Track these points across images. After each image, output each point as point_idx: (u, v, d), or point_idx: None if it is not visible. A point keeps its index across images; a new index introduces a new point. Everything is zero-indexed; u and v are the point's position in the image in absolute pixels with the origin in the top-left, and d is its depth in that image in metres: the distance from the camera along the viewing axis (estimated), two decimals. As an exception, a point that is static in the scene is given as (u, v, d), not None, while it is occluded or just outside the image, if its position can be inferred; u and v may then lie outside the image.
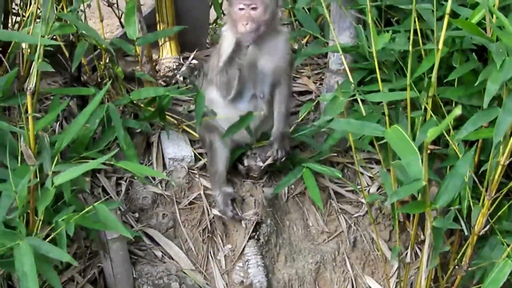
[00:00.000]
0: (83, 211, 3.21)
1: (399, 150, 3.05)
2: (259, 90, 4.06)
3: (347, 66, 3.92)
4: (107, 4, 5.70)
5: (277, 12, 4.07)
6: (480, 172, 3.72)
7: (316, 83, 5.07)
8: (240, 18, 3.89)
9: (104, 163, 3.56)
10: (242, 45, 3.94)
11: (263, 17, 3.92)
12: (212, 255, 4.15)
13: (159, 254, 4.05)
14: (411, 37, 3.49)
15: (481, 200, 3.57)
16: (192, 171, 4.30)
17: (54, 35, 4.14)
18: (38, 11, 3.98)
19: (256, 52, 3.99)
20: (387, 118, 3.72)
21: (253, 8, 3.90)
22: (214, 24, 6.24)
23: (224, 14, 6.07)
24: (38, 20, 4.02)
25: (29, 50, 4.09)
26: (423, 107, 3.71)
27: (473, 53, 3.91)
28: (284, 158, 4.17)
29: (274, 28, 4.06)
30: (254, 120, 4.03)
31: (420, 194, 3.42)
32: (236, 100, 4.07)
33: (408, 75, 3.51)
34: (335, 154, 4.50)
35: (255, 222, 4.17)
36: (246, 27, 3.88)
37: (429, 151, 2.96)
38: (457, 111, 2.79)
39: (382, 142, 3.96)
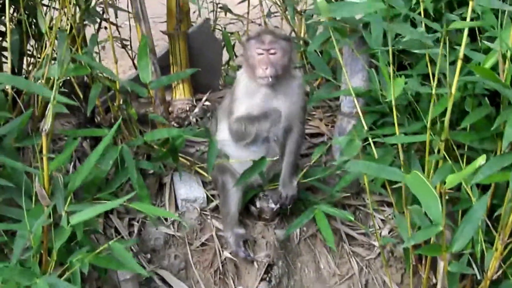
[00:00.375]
0: (98, 250, 3.21)
1: (419, 195, 3.05)
2: (272, 133, 4.08)
3: (359, 109, 3.94)
4: (120, 46, 5.76)
5: (293, 56, 4.11)
6: (493, 216, 3.71)
7: (328, 125, 5.09)
8: (259, 62, 3.94)
9: (117, 205, 3.60)
10: (257, 88, 3.99)
11: (281, 61, 3.97)
12: (224, 297, 4.15)
13: (170, 295, 4.04)
14: (432, 82, 3.52)
15: (495, 245, 3.55)
16: (204, 212, 4.31)
17: (68, 76, 4.19)
18: (53, 52, 4.03)
19: (271, 96, 4.02)
20: (402, 161, 3.74)
21: (272, 53, 3.95)
22: (227, 66, 6.29)
23: (236, 56, 6.14)
24: (53, 61, 4.07)
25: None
26: (436, 150, 3.71)
27: (485, 98, 3.92)
28: (290, 204, 4.20)
29: (289, 72, 4.10)
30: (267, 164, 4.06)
31: (434, 238, 3.42)
32: (249, 142, 4.10)
33: (429, 118, 3.53)
34: (347, 195, 4.50)
35: (266, 264, 4.17)
36: (266, 71, 3.93)
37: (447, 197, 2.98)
38: (481, 160, 2.80)
39: (395, 186, 3.98)
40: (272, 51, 3.96)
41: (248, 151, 4.10)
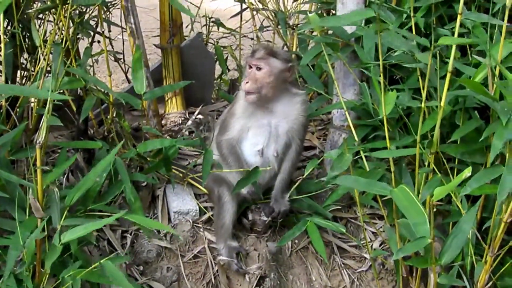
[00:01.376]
0: (90, 268, 3.23)
1: (406, 210, 3.09)
2: (272, 149, 4.12)
3: (351, 123, 3.97)
4: (113, 59, 5.79)
5: (287, 76, 4.12)
6: (483, 228, 3.74)
7: (320, 138, 5.12)
8: (246, 76, 3.97)
9: (110, 216, 3.60)
10: (256, 106, 4.02)
11: (266, 79, 3.99)
12: (216, 309, 4.16)
13: (163, 307, 4.05)
14: (423, 95, 3.56)
15: (484, 257, 3.59)
16: (197, 224, 4.33)
17: (62, 89, 4.21)
18: (48, 66, 4.06)
19: (269, 114, 4.05)
20: (393, 175, 3.77)
21: (258, 69, 3.99)
22: (219, 79, 6.32)
23: (229, 70, 6.17)
24: (47, 74, 4.09)
25: (37, 105, 4.15)
26: (426, 163, 3.75)
27: (475, 112, 3.96)
28: (282, 218, 4.25)
29: (289, 91, 4.13)
30: (263, 175, 4.10)
31: (424, 250, 3.45)
32: (248, 156, 4.15)
33: (419, 132, 3.57)
34: (339, 208, 4.52)
35: (259, 276, 4.18)
36: (246, 85, 3.97)
37: (435, 209, 3.01)
38: (467, 172, 2.84)
39: (386, 198, 4.01)
40: (258, 66, 4.00)
41: (247, 165, 4.13)
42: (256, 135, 4.13)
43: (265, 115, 4.09)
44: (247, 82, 3.98)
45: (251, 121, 4.11)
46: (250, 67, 4.01)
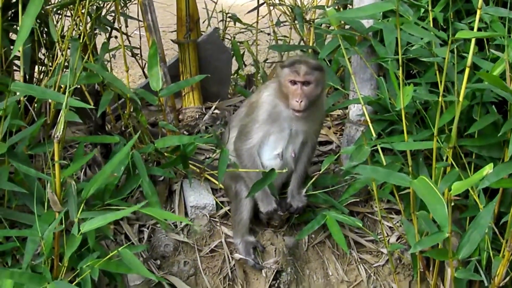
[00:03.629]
0: (108, 256, 3.24)
1: (426, 199, 3.07)
2: (290, 150, 4.13)
3: (368, 117, 3.97)
4: (130, 54, 5.81)
5: (325, 85, 4.14)
6: (500, 223, 3.73)
7: (337, 133, 5.12)
8: (293, 94, 3.91)
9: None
10: (280, 113, 4.02)
11: (314, 92, 3.95)
12: (233, 303, 4.17)
13: (180, 301, 4.07)
14: (440, 90, 3.55)
15: (502, 251, 3.57)
16: (214, 219, 4.34)
17: (79, 85, 4.23)
18: (65, 61, 4.07)
19: (291, 117, 4.03)
20: (410, 167, 3.76)
21: (306, 84, 3.93)
22: (236, 75, 6.32)
23: (245, 66, 6.16)
24: (65, 70, 4.11)
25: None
26: (444, 157, 3.74)
27: (493, 106, 3.95)
28: (299, 214, 4.26)
29: (320, 99, 4.13)
30: (279, 176, 4.10)
31: (441, 244, 3.45)
32: (266, 161, 4.15)
33: (436, 126, 3.56)
34: (356, 200, 4.51)
35: (275, 271, 4.19)
36: (301, 104, 3.89)
37: (453, 203, 3.00)
38: (488, 169, 2.83)
39: (403, 192, 4.00)
40: (306, 83, 3.93)
41: (263, 165, 4.14)
42: (277, 139, 4.11)
43: (287, 119, 4.06)
44: (301, 101, 3.89)
45: (273, 127, 4.07)
46: (294, 83, 3.94)
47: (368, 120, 3.97)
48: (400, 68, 3.66)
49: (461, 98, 3.45)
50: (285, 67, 3.98)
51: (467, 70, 3.36)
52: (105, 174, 3.55)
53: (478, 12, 3.34)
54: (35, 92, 3.47)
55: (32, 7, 3.33)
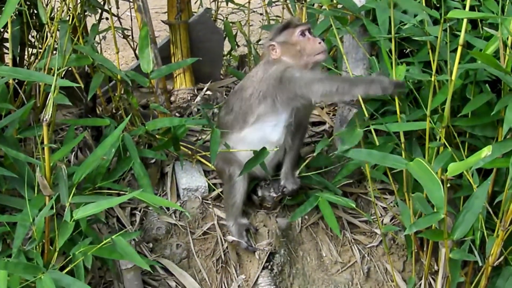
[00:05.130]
0: (101, 244, 3.21)
1: (422, 181, 3.06)
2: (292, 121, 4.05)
3: (360, 98, 3.94)
4: (122, 36, 5.76)
5: None
6: (494, 203, 3.71)
7: (329, 114, 5.10)
8: (309, 41, 3.97)
9: (119, 194, 3.59)
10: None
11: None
12: (226, 285, 4.14)
13: (173, 284, 4.04)
14: (433, 69, 3.52)
15: (496, 231, 3.56)
16: (206, 201, 4.32)
17: (69, 67, 4.20)
18: (55, 43, 4.04)
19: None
20: (403, 148, 3.74)
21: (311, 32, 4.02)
22: (229, 55, 6.28)
23: (238, 46, 6.13)
24: (54, 52, 4.07)
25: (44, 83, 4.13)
26: (438, 137, 3.72)
27: (486, 85, 3.92)
28: (292, 195, 4.25)
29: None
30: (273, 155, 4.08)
31: (436, 225, 3.43)
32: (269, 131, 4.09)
33: (429, 106, 3.53)
34: (349, 182, 4.50)
35: (268, 253, 4.18)
36: (323, 43, 3.97)
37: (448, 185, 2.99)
38: (486, 151, 2.80)
39: (396, 171, 3.98)
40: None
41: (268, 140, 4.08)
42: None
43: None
44: (320, 41, 3.97)
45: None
46: (304, 35, 3.99)
47: (361, 100, 3.94)
48: (393, 47, 3.63)
49: (453, 77, 3.43)
50: (298, 26, 4.02)
51: (459, 49, 3.33)
52: (97, 157, 3.52)
53: (470, -11, 3.32)
54: (21, 75, 3.42)
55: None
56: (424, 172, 3.10)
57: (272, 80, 3.92)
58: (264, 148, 3.95)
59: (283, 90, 3.89)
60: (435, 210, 3.17)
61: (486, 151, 2.84)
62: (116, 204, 3.41)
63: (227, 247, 4.19)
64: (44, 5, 4.20)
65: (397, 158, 3.35)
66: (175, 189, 4.36)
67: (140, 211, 4.21)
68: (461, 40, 3.33)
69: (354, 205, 4.12)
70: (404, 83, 3.79)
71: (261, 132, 4.03)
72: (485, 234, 3.66)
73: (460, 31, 3.39)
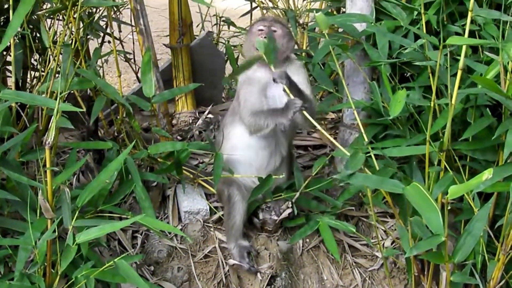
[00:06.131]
0: (104, 267, 3.21)
1: (419, 207, 3.06)
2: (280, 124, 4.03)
3: (360, 122, 3.96)
4: (124, 59, 5.79)
5: (291, 44, 4.25)
6: (495, 227, 3.72)
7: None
8: (260, 34, 4.06)
9: (120, 218, 3.59)
10: (258, 78, 4.06)
11: (280, 40, 4.07)
12: (227, 309, 4.15)
13: (174, 307, 4.05)
14: (433, 93, 3.54)
15: (497, 255, 3.56)
16: (207, 224, 4.33)
17: (72, 90, 4.21)
18: (58, 67, 4.06)
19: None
20: (403, 173, 3.75)
21: (273, 31, 4.06)
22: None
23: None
24: (57, 75, 4.09)
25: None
26: (436, 162, 3.72)
27: (487, 109, 3.93)
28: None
29: (289, 58, 4.21)
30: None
31: (435, 248, 3.43)
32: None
33: (429, 130, 3.54)
34: (351, 208, 4.51)
35: (270, 275, 4.17)
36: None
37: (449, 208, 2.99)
38: (487, 174, 2.81)
39: (396, 194, 3.99)
40: (273, 28, 4.04)
41: (257, 154, 4.13)
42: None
43: (269, 84, 4.06)
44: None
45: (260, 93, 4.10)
46: (261, 30, 4.08)
47: (361, 125, 3.96)
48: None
49: (453, 101, 3.44)
50: (254, 24, 4.16)
51: (459, 73, 3.35)
52: (100, 182, 3.53)
53: (470, 14, 3.33)
54: (24, 98, 3.44)
55: (22, 6, 3.32)
56: (421, 197, 3.09)
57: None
58: (270, 176, 3.99)
59: None
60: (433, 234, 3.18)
61: (487, 174, 2.84)
62: (118, 228, 3.42)
63: (228, 270, 4.19)
64: (47, 29, 4.22)
65: (394, 182, 3.35)
66: (177, 212, 4.37)
67: (141, 234, 4.21)
68: (461, 65, 3.34)
69: (354, 230, 4.13)
70: (283, 73, 3.89)
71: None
72: (486, 258, 3.66)
73: (460, 55, 3.41)
